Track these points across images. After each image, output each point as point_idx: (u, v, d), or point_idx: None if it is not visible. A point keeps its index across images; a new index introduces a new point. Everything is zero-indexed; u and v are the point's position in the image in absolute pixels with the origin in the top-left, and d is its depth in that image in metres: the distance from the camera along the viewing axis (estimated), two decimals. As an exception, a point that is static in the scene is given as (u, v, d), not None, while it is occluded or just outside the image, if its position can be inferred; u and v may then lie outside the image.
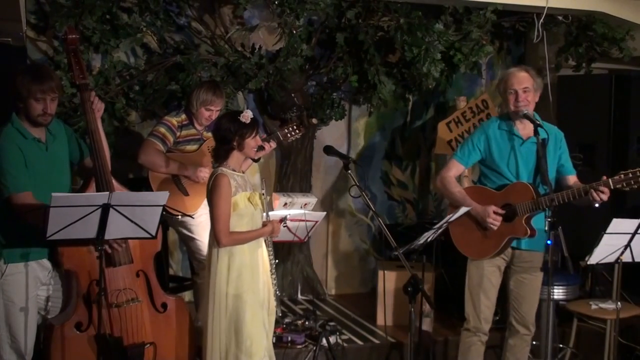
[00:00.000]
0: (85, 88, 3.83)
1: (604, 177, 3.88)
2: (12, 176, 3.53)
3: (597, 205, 3.93)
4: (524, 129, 4.10)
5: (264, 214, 3.80)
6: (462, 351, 4.25)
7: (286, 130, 4.91)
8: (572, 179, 4.17)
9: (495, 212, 4.01)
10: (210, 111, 4.62)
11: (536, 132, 3.96)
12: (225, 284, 3.66)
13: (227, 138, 3.69)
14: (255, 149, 3.77)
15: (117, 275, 3.76)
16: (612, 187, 3.86)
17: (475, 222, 4.12)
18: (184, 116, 4.66)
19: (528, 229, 4.02)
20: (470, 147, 4.17)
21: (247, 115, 3.66)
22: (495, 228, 4.02)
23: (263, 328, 3.72)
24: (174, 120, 4.62)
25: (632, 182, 3.82)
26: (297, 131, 4.93)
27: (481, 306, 4.15)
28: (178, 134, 4.62)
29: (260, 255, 3.78)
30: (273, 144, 4.74)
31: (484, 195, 4.11)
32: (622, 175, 3.84)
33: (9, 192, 3.54)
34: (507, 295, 4.24)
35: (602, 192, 3.85)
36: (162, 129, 4.58)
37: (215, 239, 3.68)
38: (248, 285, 3.67)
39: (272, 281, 3.78)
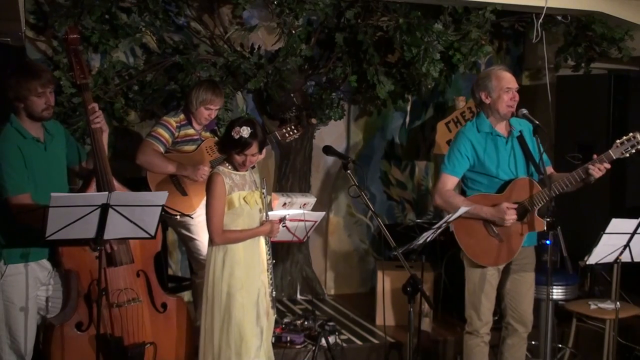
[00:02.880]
0: (87, 88, 3.83)
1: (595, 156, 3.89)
2: (11, 178, 3.53)
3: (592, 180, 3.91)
4: (502, 127, 4.11)
5: (264, 214, 3.80)
6: (466, 354, 4.23)
7: (285, 130, 4.91)
8: (549, 169, 4.16)
9: (508, 208, 3.95)
10: (210, 110, 4.62)
11: (535, 132, 3.97)
12: (219, 282, 3.66)
13: (221, 142, 3.75)
14: (242, 166, 3.68)
15: (118, 275, 3.76)
16: (614, 158, 3.86)
17: (485, 230, 4.06)
18: (182, 116, 4.66)
19: (543, 221, 3.99)
20: (459, 156, 4.08)
21: (237, 130, 3.60)
22: (511, 223, 3.95)
23: (256, 328, 3.70)
24: (172, 120, 4.62)
25: (630, 147, 3.83)
26: (295, 131, 4.93)
27: (483, 309, 4.13)
28: (176, 134, 4.62)
29: (258, 255, 3.77)
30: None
31: (491, 201, 4.02)
32: (619, 145, 3.85)
33: (7, 194, 3.53)
34: (503, 296, 4.22)
35: (603, 168, 3.85)
36: (161, 130, 4.58)
37: (209, 237, 3.70)
38: (241, 284, 3.66)
39: (269, 281, 3.77)
